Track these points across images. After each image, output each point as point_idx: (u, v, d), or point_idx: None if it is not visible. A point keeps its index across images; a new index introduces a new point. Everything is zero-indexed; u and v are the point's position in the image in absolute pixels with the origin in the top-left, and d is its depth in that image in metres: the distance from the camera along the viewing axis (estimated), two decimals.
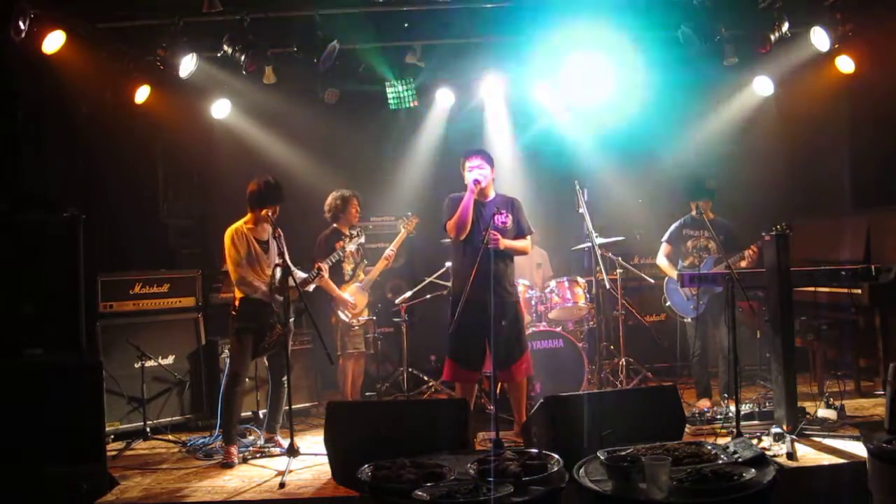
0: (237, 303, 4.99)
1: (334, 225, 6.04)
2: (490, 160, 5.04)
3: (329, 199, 6.07)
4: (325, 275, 5.47)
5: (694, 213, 5.71)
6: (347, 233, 5.90)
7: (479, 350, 4.91)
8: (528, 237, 5.15)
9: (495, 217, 4.77)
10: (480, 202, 5.02)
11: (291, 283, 4.77)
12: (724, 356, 5.63)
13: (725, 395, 5.57)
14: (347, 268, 6.05)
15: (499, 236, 4.81)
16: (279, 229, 5.03)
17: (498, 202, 5.00)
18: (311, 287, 5.37)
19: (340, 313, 5.95)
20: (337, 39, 5.97)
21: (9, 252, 4.64)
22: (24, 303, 4.65)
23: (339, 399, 5.90)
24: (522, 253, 5.21)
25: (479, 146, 5.26)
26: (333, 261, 5.73)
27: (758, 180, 7.45)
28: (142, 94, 6.36)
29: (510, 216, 4.97)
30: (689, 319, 5.89)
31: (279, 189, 5.05)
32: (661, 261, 5.99)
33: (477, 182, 4.87)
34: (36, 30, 5.13)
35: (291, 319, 4.93)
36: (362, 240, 5.95)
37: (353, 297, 5.99)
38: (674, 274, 5.86)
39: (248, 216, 5.07)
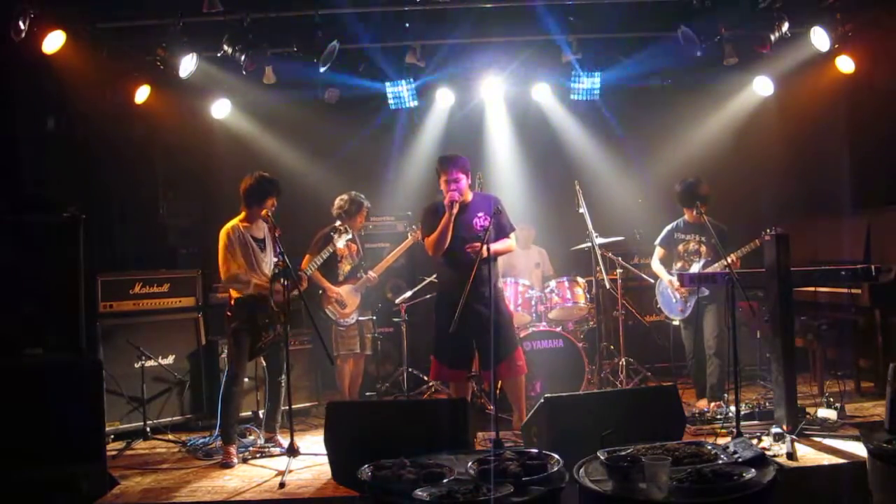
0: (232, 303, 4.99)
1: (336, 224, 6.03)
2: (465, 167, 4.96)
3: (342, 198, 6.01)
4: (305, 285, 5.43)
5: (694, 215, 5.69)
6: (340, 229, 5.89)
7: (466, 350, 4.90)
8: (511, 235, 5.14)
9: (474, 221, 4.72)
10: (460, 208, 4.96)
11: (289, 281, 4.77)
12: (712, 358, 5.63)
13: (724, 395, 5.56)
14: (344, 268, 6.03)
15: (478, 247, 4.57)
16: (279, 228, 5.00)
17: (476, 205, 4.95)
18: (310, 272, 5.41)
19: (328, 311, 5.93)
20: (337, 39, 5.97)
21: (9, 252, 4.63)
22: (24, 303, 4.64)
23: (339, 399, 5.90)
24: (506, 252, 5.20)
25: (451, 154, 5.04)
26: (324, 258, 5.71)
27: (758, 180, 7.46)
28: (142, 94, 6.36)
29: (490, 218, 4.90)
30: (678, 321, 5.91)
31: (275, 182, 5.03)
32: (655, 264, 5.99)
33: (452, 203, 4.79)
34: (36, 30, 5.13)
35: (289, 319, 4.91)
36: (350, 236, 5.92)
37: (344, 297, 5.97)
38: (665, 277, 5.86)
39: (243, 214, 5.05)
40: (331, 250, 5.76)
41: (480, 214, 4.80)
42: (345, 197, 6.04)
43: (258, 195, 4.98)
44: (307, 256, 5.80)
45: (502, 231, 5.04)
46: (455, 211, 4.82)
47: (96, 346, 5.47)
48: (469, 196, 5.04)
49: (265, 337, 4.96)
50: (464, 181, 4.94)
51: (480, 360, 4.87)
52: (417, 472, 2.99)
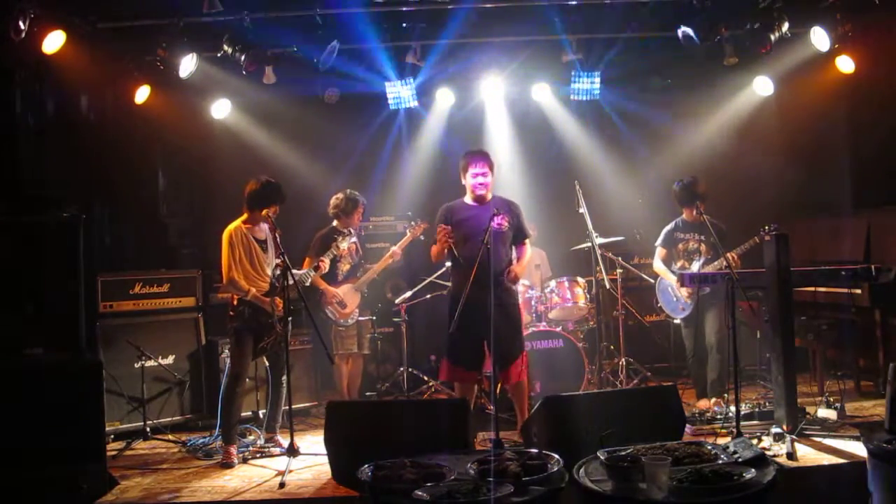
0: (235, 303, 4.99)
1: (334, 223, 6.02)
2: (492, 163, 5.05)
3: (338, 196, 6.01)
4: (326, 269, 5.46)
5: (694, 214, 5.69)
6: (342, 231, 5.89)
7: (477, 350, 4.90)
8: (527, 241, 5.18)
9: (493, 219, 4.73)
10: (479, 206, 5.02)
11: (290, 281, 4.76)
12: (713, 354, 5.65)
13: (725, 394, 5.56)
14: (343, 267, 6.01)
15: (516, 273, 4.92)
16: (279, 229, 5.01)
17: (496, 205, 4.96)
18: (309, 281, 5.39)
19: (328, 311, 5.92)
20: (337, 39, 5.97)
21: (9, 252, 4.63)
22: (25, 303, 4.64)
23: (339, 399, 5.90)
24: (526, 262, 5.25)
25: (481, 148, 5.24)
26: (329, 258, 5.71)
27: (758, 180, 7.46)
28: (142, 94, 6.36)
29: (507, 219, 4.95)
30: (678, 320, 5.91)
31: (280, 189, 5.05)
32: (658, 265, 5.98)
33: (448, 244, 4.83)
34: (36, 30, 5.13)
35: (290, 319, 4.91)
36: (354, 239, 5.92)
37: (344, 297, 5.96)
38: (669, 276, 5.86)
39: (245, 216, 5.06)
40: (334, 252, 5.75)
41: (498, 214, 4.80)
42: (340, 195, 6.03)
43: (262, 200, 4.99)
44: (307, 259, 5.79)
45: (520, 235, 5.09)
46: (446, 246, 4.87)
47: (96, 346, 5.47)
48: (489, 196, 5.06)
49: (268, 337, 4.96)
50: (489, 176, 4.99)
51: (493, 361, 4.86)
52: (417, 472, 2.99)
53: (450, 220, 4.96)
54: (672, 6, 6.00)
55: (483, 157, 5.03)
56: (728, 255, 5.27)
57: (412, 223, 6.22)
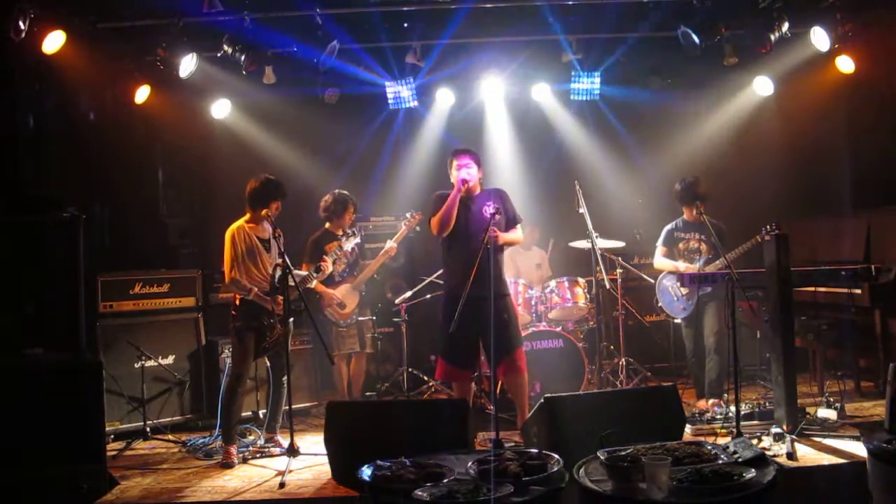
0: (237, 302, 4.99)
1: (326, 226, 6.00)
2: (478, 159, 5.06)
3: (326, 199, 6.00)
4: (329, 270, 5.44)
5: (694, 214, 5.70)
6: (341, 233, 5.87)
7: (473, 348, 4.89)
8: (519, 226, 5.17)
9: (483, 210, 4.73)
10: (469, 200, 5.01)
11: (291, 282, 4.76)
12: (712, 354, 5.65)
13: (724, 395, 5.56)
14: (338, 268, 5.97)
15: (497, 232, 4.80)
16: (279, 230, 5.02)
17: (486, 197, 4.97)
18: (313, 283, 5.38)
19: (327, 313, 5.91)
20: (337, 39, 5.98)
21: (9, 252, 4.64)
22: (25, 303, 4.64)
23: (339, 399, 5.90)
24: (514, 243, 5.26)
25: (467, 146, 5.25)
26: (332, 259, 5.71)
27: (758, 180, 7.47)
28: (142, 94, 6.36)
29: (500, 212, 4.91)
30: (679, 320, 5.91)
31: (280, 185, 5.05)
32: (660, 262, 5.97)
33: (464, 181, 4.85)
34: (36, 30, 5.13)
35: (291, 319, 4.92)
36: (358, 240, 5.90)
37: (342, 298, 5.95)
38: (678, 265, 5.82)
39: (248, 215, 5.06)
40: (337, 253, 5.74)
41: (489, 204, 4.82)
42: (328, 197, 5.99)
43: (263, 198, 4.98)
44: (303, 265, 5.76)
45: (511, 221, 5.09)
46: (463, 189, 4.85)
47: (96, 346, 5.48)
48: (478, 189, 5.07)
49: (270, 337, 4.96)
50: (475, 169, 4.99)
51: (486, 358, 4.86)
52: (417, 472, 2.99)
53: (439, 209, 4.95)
54: (672, 6, 6.00)
55: (467, 151, 5.05)
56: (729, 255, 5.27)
57: (407, 215, 6.20)
